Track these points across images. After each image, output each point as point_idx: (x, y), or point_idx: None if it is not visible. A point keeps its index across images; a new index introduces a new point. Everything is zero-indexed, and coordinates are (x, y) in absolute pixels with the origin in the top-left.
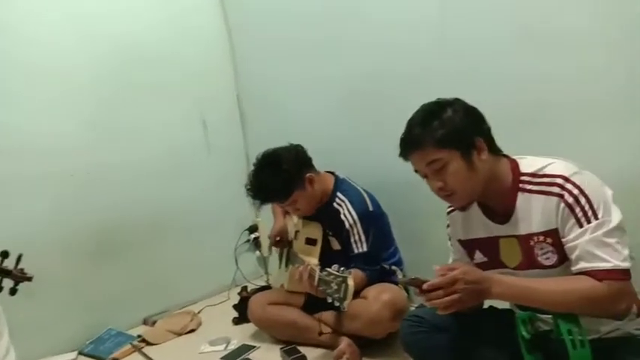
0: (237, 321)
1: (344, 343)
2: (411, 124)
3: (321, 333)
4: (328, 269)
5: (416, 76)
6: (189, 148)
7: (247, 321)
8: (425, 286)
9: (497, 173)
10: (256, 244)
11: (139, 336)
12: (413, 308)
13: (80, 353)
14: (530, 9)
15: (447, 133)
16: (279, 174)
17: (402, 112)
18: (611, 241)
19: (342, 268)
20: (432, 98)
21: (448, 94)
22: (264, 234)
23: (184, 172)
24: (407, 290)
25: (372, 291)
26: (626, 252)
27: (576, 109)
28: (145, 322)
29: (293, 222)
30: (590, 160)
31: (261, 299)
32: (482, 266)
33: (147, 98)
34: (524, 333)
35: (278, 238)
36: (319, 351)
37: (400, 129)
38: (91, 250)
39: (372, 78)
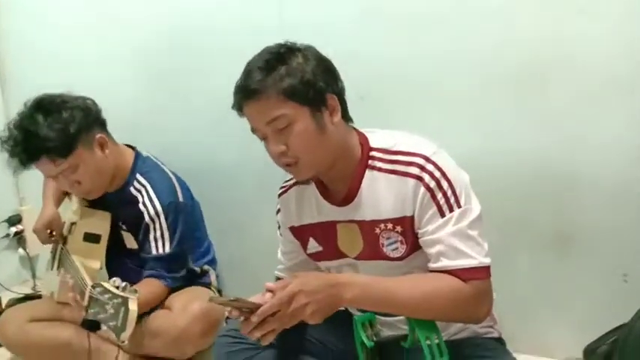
0: None
1: None
2: (251, 67)
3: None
4: (105, 284)
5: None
6: None
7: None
8: (255, 319)
9: (346, 145)
10: (19, 239)
11: None
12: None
13: None
14: None
15: (296, 83)
16: (59, 119)
17: (215, 83)
18: (474, 233)
19: (124, 284)
20: None
21: None
22: (30, 227)
23: None
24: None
25: (178, 299)
26: (486, 246)
27: (423, 86)
28: None
29: (71, 210)
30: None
31: (19, 315)
32: (316, 256)
33: None
34: (364, 340)
35: (49, 231)
36: None
37: (213, 101)
38: None
39: (178, 41)
